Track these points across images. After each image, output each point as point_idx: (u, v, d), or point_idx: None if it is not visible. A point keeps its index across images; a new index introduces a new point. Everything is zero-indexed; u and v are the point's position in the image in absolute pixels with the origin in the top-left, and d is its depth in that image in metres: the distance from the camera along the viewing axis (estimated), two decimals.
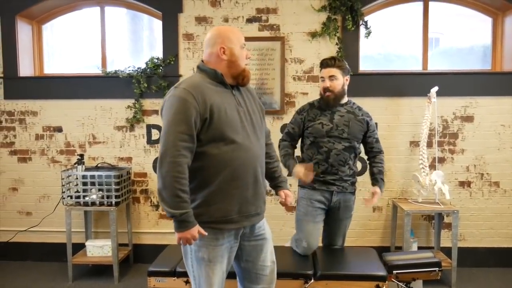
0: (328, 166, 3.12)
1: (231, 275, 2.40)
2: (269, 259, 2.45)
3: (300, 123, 3.23)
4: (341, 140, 3.12)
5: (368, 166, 3.38)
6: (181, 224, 2.09)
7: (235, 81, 2.29)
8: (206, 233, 2.15)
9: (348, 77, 3.19)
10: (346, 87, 3.18)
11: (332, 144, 3.10)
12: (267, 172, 2.46)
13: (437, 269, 2.92)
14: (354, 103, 3.26)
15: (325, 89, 3.11)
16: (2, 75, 4.43)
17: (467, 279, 4.04)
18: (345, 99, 3.21)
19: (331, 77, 3.09)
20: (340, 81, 3.11)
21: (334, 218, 3.25)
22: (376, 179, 3.27)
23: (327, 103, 3.15)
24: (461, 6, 4.39)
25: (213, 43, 2.27)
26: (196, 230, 2.13)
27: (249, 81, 2.36)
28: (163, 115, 2.16)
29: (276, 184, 2.55)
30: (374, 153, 3.31)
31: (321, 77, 3.15)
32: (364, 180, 4.03)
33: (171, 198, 2.06)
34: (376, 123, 4.18)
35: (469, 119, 4.23)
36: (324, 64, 3.14)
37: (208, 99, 2.13)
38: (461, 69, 4.36)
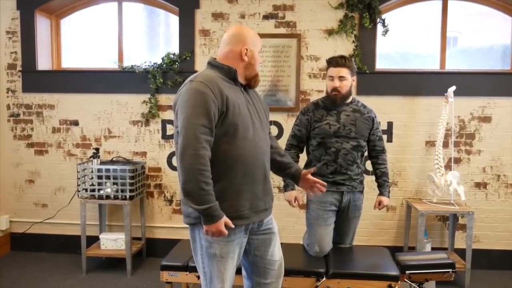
0: (337, 166, 3.09)
1: (236, 271, 2.40)
2: (277, 254, 2.46)
3: (306, 124, 3.16)
4: (349, 139, 3.08)
5: (371, 166, 3.34)
6: (208, 218, 2.08)
7: (246, 82, 2.32)
8: (233, 226, 2.14)
9: (355, 78, 3.15)
10: (352, 88, 3.14)
11: (340, 144, 3.07)
12: (279, 165, 2.49)
13: (451, 270, 2.90)
14: (358, 101, 3.22)
15: (334, 89, 3.06)
16: (20, 69, 4.49)
17: (481, 281, 3.99)
18: (350, 98, 3.17)
19: (341, 78, 3.03)
20: (349, 81, 3.06)
21: (343, 218, 3.23)
22: (380, 183, 3.26)
23: (334, 102, 3.10)
24: (481, 5, 4.32)
25: (236, 42, 2.27)
26: (223, 223, 2.11)
27: (258, 85, 2.38)
28: (179, 108, 2.14)
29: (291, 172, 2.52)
30: (376, 151, 3.26)
31: (330, 76, 3.07)
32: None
33: (196, 192, 2.05)
34: (391, 122, 4.20)
35: (486, 119, 4.17)
36: (334, 63, 3.05)
37: (224, 93, 2.14)
38: (479, 69, 4.30)
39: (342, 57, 3.08)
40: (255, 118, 2.27)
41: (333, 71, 3.05)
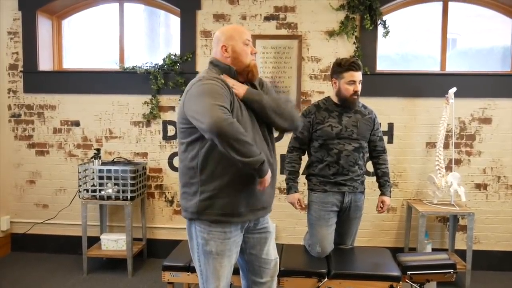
0: (339, 167, 3.09)
1: (235, 271, 2.43)
2: (272, 253, 2.48)
3: (308, 127, 3.15)
4: (351, 141, 3.09)
5: (372, 166, 3.35)
6: (264, 168, 2.10)
7: (242, 77, 2.32)
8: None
9: None
10: None
11: (343, 145, 3.08)
12: None
13: (452, 271, 2.90)
14: (359, 102, 3.21)
15: (355, 93, 3.05)
16: (22, 69, 4.49)
17: (482, 282, 4.00)
18: None
19: (360, 81, 3.06)
20: None
21: (344, 218, 3.23)
22: (382, 183, 3.27)
23: (352, 105, 3.11)
24: (481, 7, 4.34)
25: (217, 42, 2.32)
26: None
27: (256, 76, 2.37)
28: (190, 102, 2.12)
29: None
30: (377, 152, 3.28)
31: (351, 81, 3.02)
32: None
33: (249, 148, 2.03)
34: (392, 123, 4.21)
35: (487, 121, 4.18)
36: (357, 67, 3.03)
37: (231, 89, 2.18)
38: (479, 70, 4.32)
39: (357, 60, 3.08)
40: (256, 117, 2.28)
41: (355, 75, 3.03)
